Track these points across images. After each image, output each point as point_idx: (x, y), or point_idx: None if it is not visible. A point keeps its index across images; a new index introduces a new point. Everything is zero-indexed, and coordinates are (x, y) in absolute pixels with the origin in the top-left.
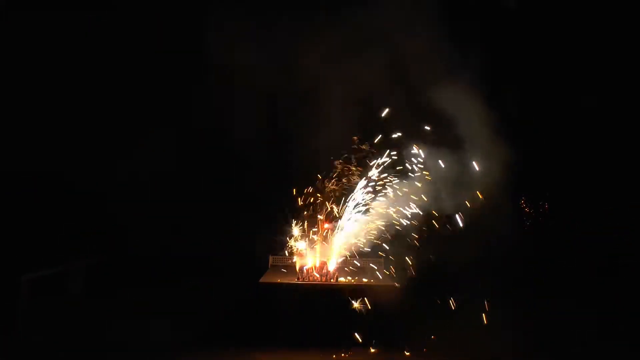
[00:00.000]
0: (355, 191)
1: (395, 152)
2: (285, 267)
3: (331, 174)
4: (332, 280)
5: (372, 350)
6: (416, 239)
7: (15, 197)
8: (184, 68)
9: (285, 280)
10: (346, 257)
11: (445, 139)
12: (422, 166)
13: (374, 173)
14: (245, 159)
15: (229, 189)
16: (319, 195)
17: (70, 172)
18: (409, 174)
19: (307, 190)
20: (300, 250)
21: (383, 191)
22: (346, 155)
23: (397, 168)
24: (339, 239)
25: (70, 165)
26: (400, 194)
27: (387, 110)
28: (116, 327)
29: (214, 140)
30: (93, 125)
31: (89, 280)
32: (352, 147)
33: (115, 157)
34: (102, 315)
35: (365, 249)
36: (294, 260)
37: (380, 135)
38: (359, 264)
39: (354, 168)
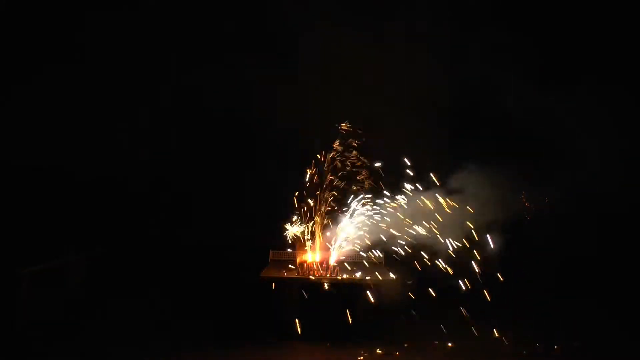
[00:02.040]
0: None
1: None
2: (286, 261)
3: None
4: (333, 275)
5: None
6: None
7: (15, 190)
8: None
9: (286, 275)
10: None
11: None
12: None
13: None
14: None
15: (227, 182)
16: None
17: (70, 165)
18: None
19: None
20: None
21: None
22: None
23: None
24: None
25: (70, 158)
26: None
27: None
28: (116, 322)
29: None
30: (92, 118)
31: (90, 274)
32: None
33: (114, 148)
34: (103, 310)
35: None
36: (295, 254)
37: None
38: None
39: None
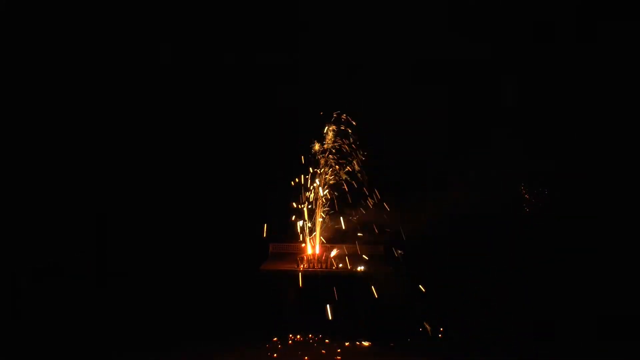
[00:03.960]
0: None
1: None
2: (286, 254)
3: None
4: (333, 267)
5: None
6: None
7: (17, 191)
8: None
9: (286, 268)
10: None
11: None
12: None
13: None
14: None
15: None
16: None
17: (72, 163)
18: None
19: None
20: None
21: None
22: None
23: None
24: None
25: (73, 157)
26: None
27: None
28: (117, 321)
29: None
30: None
31: (90, 273)
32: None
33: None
34: (104, 309)
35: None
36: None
37: None
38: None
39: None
